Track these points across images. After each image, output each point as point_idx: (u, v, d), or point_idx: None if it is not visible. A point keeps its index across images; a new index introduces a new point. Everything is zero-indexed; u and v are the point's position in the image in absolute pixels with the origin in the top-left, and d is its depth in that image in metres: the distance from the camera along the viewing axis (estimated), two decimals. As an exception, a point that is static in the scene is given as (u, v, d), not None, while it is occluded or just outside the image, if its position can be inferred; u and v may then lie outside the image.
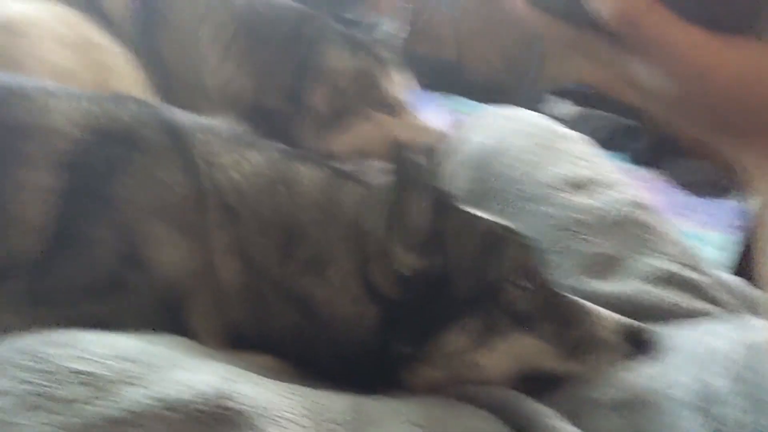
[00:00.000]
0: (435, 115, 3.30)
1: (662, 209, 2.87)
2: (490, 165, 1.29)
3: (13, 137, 0.95)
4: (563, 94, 3.51)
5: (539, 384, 0.93)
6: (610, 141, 3.36)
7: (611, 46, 0.53)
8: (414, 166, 0.89)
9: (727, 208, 2.87)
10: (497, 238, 0.95)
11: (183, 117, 1.06)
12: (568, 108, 3.44)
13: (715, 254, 2.52)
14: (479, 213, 1.00)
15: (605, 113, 3.42)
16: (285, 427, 0.71)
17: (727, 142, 0.54)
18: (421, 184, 0.90)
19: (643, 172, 3.19)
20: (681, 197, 3.00)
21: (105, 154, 0.96)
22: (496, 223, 0.98)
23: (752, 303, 1.19)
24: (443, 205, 0.94)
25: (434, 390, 0.91)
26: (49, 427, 0.63)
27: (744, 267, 1.65)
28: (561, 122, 3.41)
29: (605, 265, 1.10)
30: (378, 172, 1.42)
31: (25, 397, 0.65)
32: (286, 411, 0.73)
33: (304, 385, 0.88)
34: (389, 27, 1.85)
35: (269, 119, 1.59)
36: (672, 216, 2.82)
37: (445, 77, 3.69)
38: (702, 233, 2.70)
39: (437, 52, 3.86)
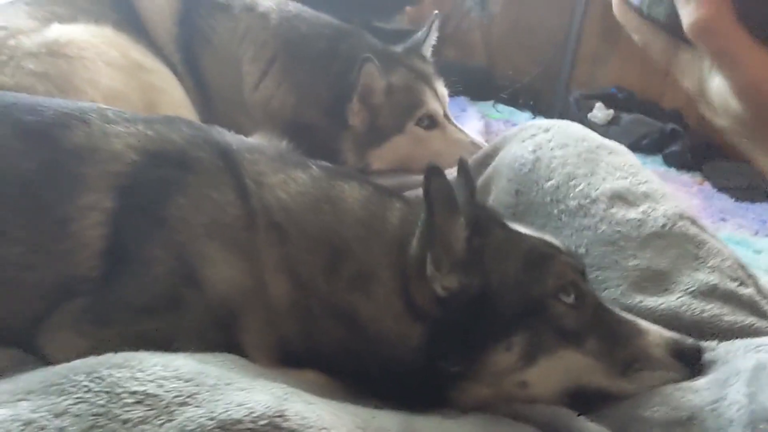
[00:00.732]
0: (466, 121, 3.31)
1: (704, 215, 2.84)
2: (532, 178, 1.28)
3: (73, 161, 0.99)
4: (596, 97, 3.48)
5: (589, 401, 0.92)
6: (646, 144, 3.33)
7: (694, 57, 0.57)
8: (444, 186, 0.88)
9: (771, 212, 2.83)
10: (541, 255, 0.95)
11: (231, 138, 1.09)
12: (602, 111, 3.40)
13: (764, 261, 2.48)
14: (522, 229, 1.00)
15: (640, 116, 3.38)
16: (338, 446, 0.72)
17: None
18: (453, 203, 0.90)
19: (683, 176, 3.15)
20: (723, 202, 2.95)
21: (160, 176, 0.99)
22: (539, 239, 0.98)
23: None
24: (481, 223, 0.94)
25: (483, 407, 0.91)
26: None
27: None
28: (595, 126, 3.39)
29: (652, 280, 1.09)
30: (418, 186, 1.44)
31: (85, 418, 0.67)
32: (338, 429, 0.74)
33: (353, 402, 0.90)
34: (423, 36, 1.85)
35: (310, 134, 1.61)
36: (714, 221, 2.80)
37: (476, 82, 3.68)
38: (750, 240, 2.66)
39: (467, 57, 3.85)
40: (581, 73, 3.58)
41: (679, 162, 3.21)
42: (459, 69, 3.62)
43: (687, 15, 0.54)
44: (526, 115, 3.59)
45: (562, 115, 3.49)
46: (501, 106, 3.65)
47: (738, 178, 3.00)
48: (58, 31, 1.39)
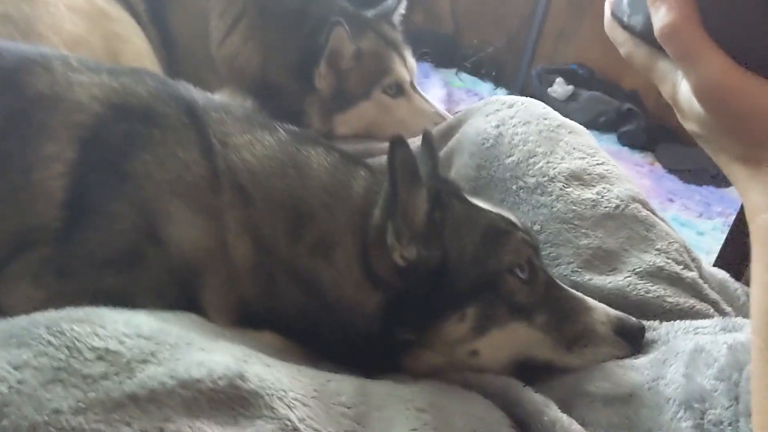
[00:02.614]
0: (429, 88, 3.32)
1: (653, 194, 2.91)
2: (493, 153, 1.31)
3: (36, 109, 0.97)
4: (557, 72, 3.52)
5: (536, 373, 0.96)
6: (602, 122, 3.39)
7: (670, 65, 0.61)
8: (408, 157, 0.89)
9: (718, 196, 2.92)
10: (499, 231, 0.97)
11: (198, 94, 1.08)
12: (562, 87, 3.45)
13: (706, 243, 2.57)
14: (481, 204, 1.02)
15: (599, 94, 3.43)
16: (294, 408, 0.74)
17: (739, 171, 0.58)
18: (416, 175, 0.91)
19: (636, 155, 3.23)
20: (672, 183, 3.03)
21: (124, 129, 0.98)
22: (498, 215, 1.00)
23: (732, 297, 1.23)
24: (442, 196, 0.96)
25: (435, 374, 0.94)
26: (68, 400, 0.65)
27: (730, 253, 1.69)
28: (554, 101, 3.43)
29: (603, 259, 1.13)
30: (381, 153, 1.45)
31: (46, 371, 0.67)
32: (295, 392, 0.76)
33: (309, 364, 0.92)
34: (394, 4, 1.84)
35: (276, 94, 1.61)
36: (662, 201, 2.88)
37: (441, 50, 3.68)
38: (695, 221, 2.75)
39: (434, 24, 3.84)
40: (545, 47, 3.61)
41: (633, 141, 3.29)
42: (425, 35, 3.62)
43: (657, 20, 0.58)
44: (488, 85, 3.62)
45: (523, 88, 3.53)
46: (464, 75, 3.67)
47: (687, 161, 3.09)
48: (19, -25, 1.34)
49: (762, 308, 0.55)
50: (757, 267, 0.56)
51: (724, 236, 2.32)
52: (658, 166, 3.18)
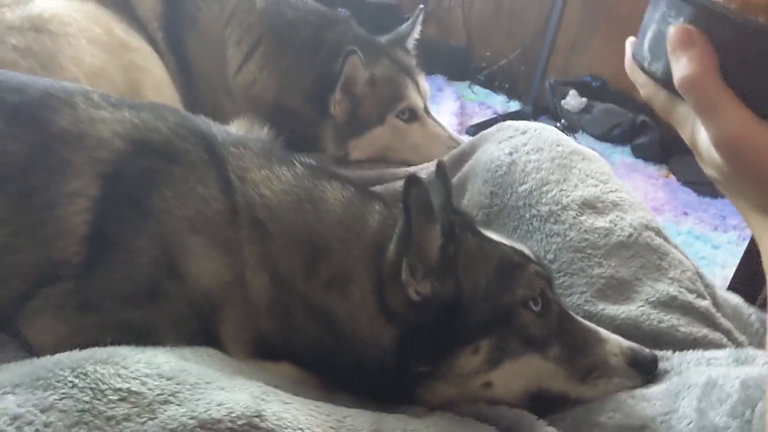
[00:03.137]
0: (442, 101, 3.33)
1: (667, 208, 2.90)
2: (507, 181, 1.32)
3: (59, 145, 1.00)
4: (571, 84, 3.53)
5: (549, 404, 0.97)
6: (616, 134, 3.39)
7: (688, 111, 0.63)
8: (423, 195, 0.90)
9: (733, 209, 2.90)
10: (512, 265, 0.98)
11: (217, 129, 1.10)
12: (576, 99, 3.45)
13: (721, 256, 2.57)
14: (495, 237, 1.03)
15: (613, 106, 3.43)
16: (311, 446, 0.76)
17: (756, 218, 0.59)
18: (430, 211, 0.92)
19: (650, 167, 3.22)
20: (687, 196, 3.03)
21: (145, 166, 1.00)
22: (511, 248, 1.01)
23: (745, 324, 1.23)
24: (456, 230, 0.97)
25: (449, 406, 0.95)
26: None
27: (746, 271, 1.68)
28: (568, 113, 3.42)
29: (615, 288, 1.14)
30: (394, 179, 1.46)
31: (71, 414, 0.70)
32: (312, 429, 0.78)
33: (326, 396, 0.93)
34: (408, 29, 1.86)
35: (292, 120, 1.63)
36: (677, 215, 2.88)
37: (453, 62, 3.70)
38: (710, 235, 2.74)
39: (447, 36, 3.86)
40: (558, 59, 3.62)
41: (647, 154, 3.29)
42: (438, 48, 3.65)
43: (678, 70, 0.60)
44: (501, 98, 3.63)
45: (536, 101, 3.53)
46: (477, 88, 3.69)
47: (702, 174, 3.06)
48: (41, 5, 1.37)
49: None
50: None
51: (739, 249, 2.32)
52: (672, 178, 3.17)
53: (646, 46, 0.67)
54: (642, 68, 0.68)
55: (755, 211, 0.61)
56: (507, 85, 3.68)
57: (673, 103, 0.65)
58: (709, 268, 2.47)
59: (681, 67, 0.59)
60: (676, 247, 1.26)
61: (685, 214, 2.90)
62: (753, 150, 0.57)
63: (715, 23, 0.59)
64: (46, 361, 0.78)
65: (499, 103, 3.59)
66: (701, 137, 0.61)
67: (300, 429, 0.77)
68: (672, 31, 0.61)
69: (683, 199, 3.01)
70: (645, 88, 0.68)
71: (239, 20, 1.68)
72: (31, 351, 0.95)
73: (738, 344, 1.11)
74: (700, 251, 2.61)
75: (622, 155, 3.28)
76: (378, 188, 1.46)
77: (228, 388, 0.79)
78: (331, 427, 0.80)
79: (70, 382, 0.73)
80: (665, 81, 0.64)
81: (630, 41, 0.71)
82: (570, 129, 3.32)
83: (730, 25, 0.58)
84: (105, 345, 0.83)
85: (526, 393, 0.97)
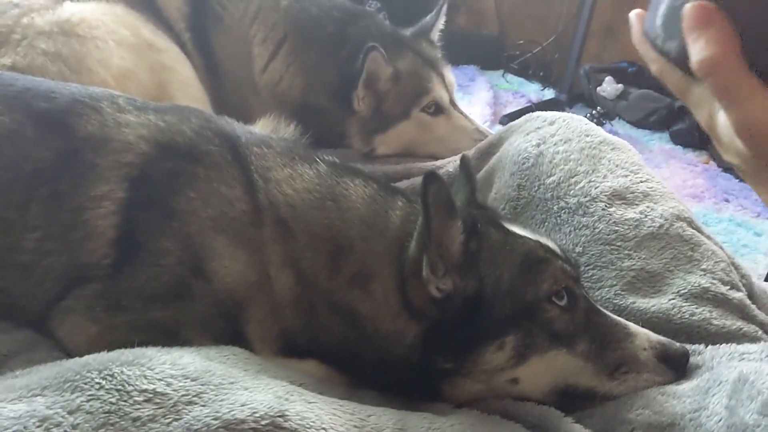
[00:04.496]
0: (475, 91, 3.30)
1: (708, 194, 2.84)
2: (534, 173, 1.30)
3: (87, 150, 1.02)
4: (606, 71, 3.46)
5: (577, 400, 0.96)
6: (653, 121, 3.32)
7: (706, 92, 0.58)
8: (442, 191, 0.89)
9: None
10: (537, 260, 0.97)
11: (240, 130, 1.11)
12: (611, 86, 3.39)
13: (764, 244, 2.50)
14: (520, 231, 1.02)
15: (650, 92, 3.35)
16: (335, 445, 0.76)
17: None
18: (450, 208, 0.91)
19: (689, 154, 3.15)
20: (728, 182, 2.95)
21: (170, 168, 1.02)
22: (536, 242, 1.00)
23: None
24: (478, 225, 0.96)
25: (475, 402, 0.95)
26: None
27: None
28: (604, 100, 3.36)
29: (646, 281, 1.12)
30: (421, 173, 1.45)
31: (97, 415, 0.72)
32: (336, 428, 0.78)
33: (352, 392, 0.94)
34: (432, 21, 1.85)
35: (318, 117, 1.63)
36: (717, 201, 2.81)
37: (486, 51, 3.66)
38: (752, 222, 2.67)
39: (479, 25, 3.82)
40: (593, 45, 3.55)
41: (686, 140, 3.20)
42: (470, 37, 3.61)
43: (696, 53, 0.55)
44: (536, 86, 3.58)
45: (571, 88, 3.48)
46: (510, 77, 3.64)
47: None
48: (70, 10, 1.40)
49: None
50: None
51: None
52: (712, 164, 3.09)
53: (658, 22, 0.61)
54: (654, 46, 0.62)
55: None
56: (541, 73, 3.63)
57: (688, 83, 0.60)
58: (752, 256, 2.41)
59: (699, 50, 0.55)
60: (710, 237, 1.24)
61: (726, 201, 2.82)
62: None
63: None
64: (74, 363, 0.80)
65: (534, 91, 3.54)
66: (721, 122, 0.57)
67: (323, 429, 0.77)
68: (688, 8, 0.55)
69: (724, 185, 2.92)
70: (657, 64, 0.63)
71: (264, 18, 1.69)
72: (63, 350, 0.98)
73: (775, 336, 1.09)
74: (742, 239, 2.54)
75: (660, 142, 3.21)
76: (405, 183, 1.46)
77: (252, 388, 0.79)
78: (355, 426, 0.81)
79: (97, 383, 0.74)
80: (680, 61, 0.59)
81: (637, 14, 0.66)
82: (606, 116, 3.26)
83: (751, 1, 0.53)
84: (134, 344, 0.85)
85: (553, 389, 0.96)
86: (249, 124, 1.26)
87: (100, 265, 0.98)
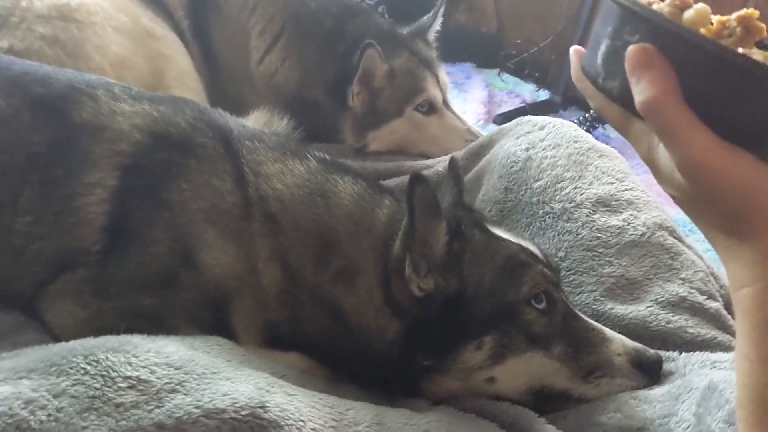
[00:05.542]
0: (470, 89, 3.31)
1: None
2: (522, 177, 1.32)
3: (81, 137, 1.03)
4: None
5: (551, 401, 0.98)
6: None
7: (645, 127, 0.61)
8: (427, 193, 0.91)
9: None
10: (518, 263, 0.99)
11: (234, 123, 1.13)
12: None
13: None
14: (503, 234, 1.04)
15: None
16: (312, 437, 0.78)
17: (720, 241, 0.59)
18: (435, 209, 0.94)
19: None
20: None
21: (163, 159, 1.03)
22: (518, 246, 1.02)
23: None
24: (463, 227, 0.99)
25: (452, 399, 0.97)
26: (102, 429, 0.71)
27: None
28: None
29: (625, 288, 1.14)
30: (410, 172, 1.47)
31: (82, 400, 0.73)
32: (314, 422, 0.80)
33: (333, 386, 0.96)
34: (429, 21, 1.86)
35: (312, 111, 1.65)
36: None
37: (483, 49, 3.66)
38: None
39: (477, 23, 3.82)
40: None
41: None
42: (468, 34, 3.61)
43: (638, 93, 0.57)
44: (531, 86, 3.59)
45: (566, 90, 3.49)
46: (506, 76, 3.64)
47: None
48: (66, -4, 1.41)
49: (745, 382, 0.56)
50: (740, 339, 0.57)
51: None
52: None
53: (599, 61, 0.63)
54: (595, 83, 0.64)
55: (719, 233, 0.60)
56: (537, 74, 3.63)
57: (627, 119, 0.62)
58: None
59: (641, 91, 0.57)
60: (690, 247, 1.26)
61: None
62: (717, 174, 0.55)
63: (672, 43, 0.56)
64: (60, 347, 0.81)
65: (528, 91, 3.55)
66: (660, 157, 0.60)
67: (302, 421, 0.79)
68: (630, 50, 0.58)
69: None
70: (596, 100, 0.65)
71: (263, 10, 1.70)
72: (50, 333, 1.00)
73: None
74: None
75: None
76: (395, 180, 1.48)
77: (234, 378, 0.81)
78: (333, 419, 0.83)
79: (83, 368, 0.76)
80: (622, 99, 0.61)
81: (575, 50, 0.68)
82: (599, 120, 3.28)
83: (687, 45, 0.55)
84: (121, 330, 0.86)
85: (528, 389, 0.98)
86: (243, 115, 1.27)
87: (90, 251, 1.00)
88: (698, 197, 0.58)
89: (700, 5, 0.57)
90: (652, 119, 0.57)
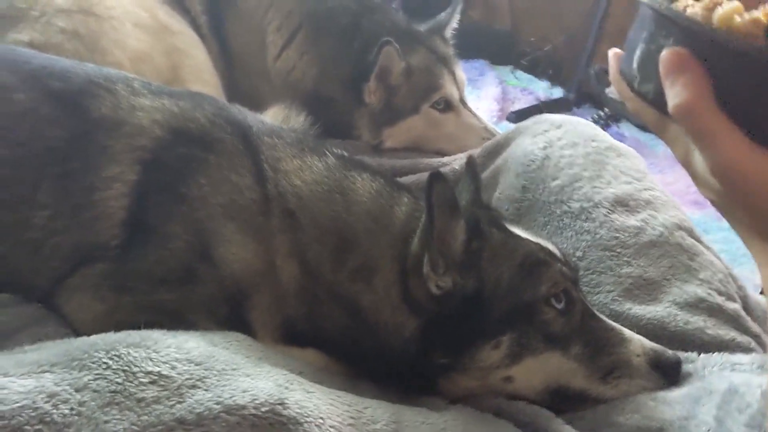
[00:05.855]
0: (483, 85, 3.30)
1: (709, 202, 2.86)
2: (539, 176, 1.32)
3: (100, 132, 1.03)
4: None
5: (569, 401, 0.98)
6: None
7: (682, 131, 0.61)
8: (446, 191, 0.91)
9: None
10: (536, 262, 0.99)
11: (252, 119, 1.13)
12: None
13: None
14: (521, 233, 1.04)
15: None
16: (330, 434, 0.78)
17: (755, 244, 0.59)
18: (454, 207, 0.93)
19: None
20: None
21: (183, 154, 1.03)
22: (537, 245, 1.02)
23: None
24: (481, 226, 0.98)
25: (469, 398, 0.97)
26: (123, 423, 0.71)
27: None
28: (612, 101, 3.37)
29: (643, 288, 1.14)
30: (428, 169, 1.47)
31: (104, 394, 0.74)
32: (333, 419, 0.80)
33: (350, 383, 0.96)
34: (447, 18, 1.85)
35: (328, 107, 1.65)
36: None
37: (497, 46, 3.65)
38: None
39: (491, 20, 3.81)
40: (605, 46, 3.51)
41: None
42: (481, 31, 3.60)
43: (671, 97, 0.58)
44: (544, 84, 3.58)
45: (580, 88, 3.47)
46: (520, 73, 3.63)
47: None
48: (85, -11, 1.41)
49: None
50: None
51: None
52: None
53: (635, 65, 0.64)
54: (631, 87, 0.65)
55: (754, 236, 0.60)
56: (551, 72, 3.62)
57: (665, 122, 0.63)
58: (750, 266, 2.39)
59: (675, 94, 0.57)
60: (708, 247, 1.25)
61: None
62: (750, 178, 0.55)
63: (705, 46, 0.56)
64: (82, 342, 0.82)
65: (542, 89, 3.54)
66: (696, 160, 0.60)
67: (321, 418, 0.79)
68: (664, 54, 0.58)
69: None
70: (633, 102, 0.66)
71: (280, 6, 1.70)
72: (70, 326, 1.00)
73: (766, 348, 1.10)
74: (741, 248, 2.51)
75: (666, 147, 3.20)
76: (411, 178, 1.48)
77: (253, 375, 0.81)
78: (351, 417, 0.83)
79: (104, 363, 0.76)
80: (657, 103, 0.61)
81: (614, 53, 0.69)
82: (613, 118, 3.27)
83: (720, 48, 0.55)
84: (139, 325, 0.87)
85: (546, 389, 0.98)
86: (260, 111, 1.27)
87: (109, 246, 1.00)
88: (733, 200, 0.58)
89: (732, 3, 0.57)
90: (685, 122, 0.58)
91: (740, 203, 0.58)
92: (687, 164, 0.62)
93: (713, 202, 0.62)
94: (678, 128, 0.61)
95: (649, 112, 0.64)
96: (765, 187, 0.55)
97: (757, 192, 0.56)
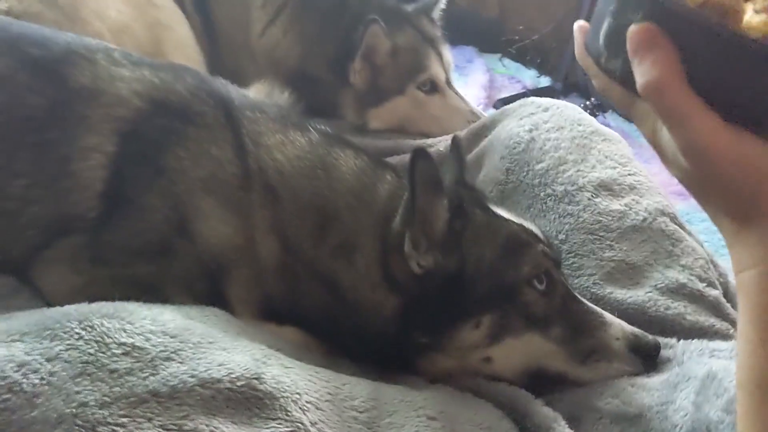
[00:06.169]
0: (471, 73, 3.29)
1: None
2: (524, 158, 1.31)
3: (78, 101, 1.01)
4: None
5: (547, 383, 0.97)
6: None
7: (649, 109, 0.58)
8: (429, 169, 0.90)
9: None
10: (519, 242, 0.98)
11: (235, 93, 1.11)
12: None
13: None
14: (504, 214, 1.03)
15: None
16: (307, 411, 0.77)
17: (725, 224, 0.58)
18: (437, 185, 0.92)
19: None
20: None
21: (162, 126, 1.01)
22: (520, 226, 1.01)
23: None
24: (464, 205, 0.98)
25: (449, 378, 0.97)
26: (95, 394, 0.70)
27: None
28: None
29: (625, 273, 1.13)
30: (411, 150, 1.46)
31: (75, 364, 0.72)
32: (310, 395, 0.79)
33: (328, 360, 0.95)
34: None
35: (313, 86, 1.63)
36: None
37: (485, 34, 3.64)
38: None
39: (479, 7, 3.79)
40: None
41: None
42: (469, 18, 3.58)
43: (639, 75, 0.55)
44: (532, 72, 3.57)
45: (567, 77, 3.47)
46: (508, 61, 3.62)
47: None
48: (66, -38, 1.38)
49: (746, 363, 0.55)
50: (742, 321, 0.56)
51: None
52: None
53: (602, 41, 0.60)
54: (597, 62, 0.61)
55: (724, 216, 0.58)
56: (538, 60, 3.61)
57: (632, 100, 0.60)
58: (733, 254, 2.42)
59: (643, 72, 0.54)
60: (691, 234, 1.25)
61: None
62: (721, 157, 0.53)
63: (675, 22, 0.53)
64: (55, 312, 0.80)
65: (530, 78, 3.53)
66: (664, 139, 0.58)
67: (298, 393, 0.78)
68: (632, 30, 0.55)
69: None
70: (599, 80, 0.63)
71: None
72: (43, 299, 0.98)
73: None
74: (723, 238, 2.55)
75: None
76: (394, 159, 1.46)
77: (230, 349, 0.80)
78: (329, 393, 0.82)
79: (77, 333, 0.75)
80: (624, 80, 0.58)
81: (580, 26, 0.65)
82: (600, 108, 3.27)
83: (690, 25, 0.52)
84: (115, 298, 0.85)
85: (525, 370, 0.98)
86: (243, 88, 1.25)
87: (86, 218, 0.98)
88: (703, 180, 0.57)
89: None
90: (654, 101, 0.55)
91: (711, 183, 0.56)
92: (655, 143, 0.60)
93: (681, 181, 0.59)
94: (645, 107, 0.59)
95: (616, 90, 0.61)
96: (736, 167, 0.53)
97: (728, 173, 0.54)
